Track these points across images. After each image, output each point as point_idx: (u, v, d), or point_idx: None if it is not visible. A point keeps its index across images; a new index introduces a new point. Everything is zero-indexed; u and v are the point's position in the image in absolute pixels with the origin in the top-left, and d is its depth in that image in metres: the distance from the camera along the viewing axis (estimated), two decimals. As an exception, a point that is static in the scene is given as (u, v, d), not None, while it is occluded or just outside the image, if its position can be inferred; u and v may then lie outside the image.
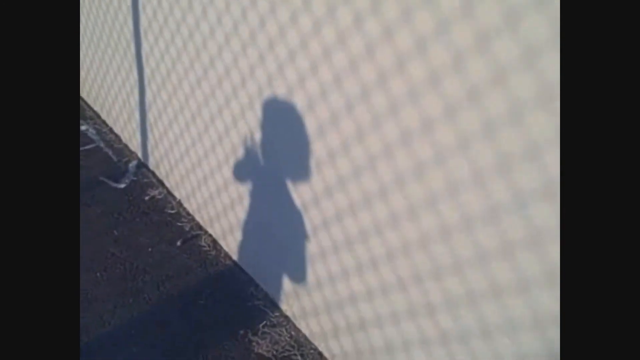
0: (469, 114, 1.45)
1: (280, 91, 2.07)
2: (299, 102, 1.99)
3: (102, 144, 3.55)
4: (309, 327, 2.41)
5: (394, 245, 1.84)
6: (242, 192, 2.53)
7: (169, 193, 3.16)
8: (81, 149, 3.47)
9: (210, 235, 2.89)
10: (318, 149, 1.99)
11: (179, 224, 2.97)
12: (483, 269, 1.59)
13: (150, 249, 2.79)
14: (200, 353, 2.32)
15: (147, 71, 2.99)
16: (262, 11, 2.00)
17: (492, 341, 1.66)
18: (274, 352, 2.35)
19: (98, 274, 2.61)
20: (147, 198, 3.12)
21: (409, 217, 1.75)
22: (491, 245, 1.54)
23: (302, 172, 2.11)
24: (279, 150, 2.23)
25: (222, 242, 2.85)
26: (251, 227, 2.58)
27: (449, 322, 1.76)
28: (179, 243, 2.84)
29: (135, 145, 3.45)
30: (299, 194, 2.17)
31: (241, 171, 2.49)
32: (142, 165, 3.37)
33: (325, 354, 2.36)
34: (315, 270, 2.24)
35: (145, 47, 2.93)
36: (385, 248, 1.88)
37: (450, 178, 1.57)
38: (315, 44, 1.83)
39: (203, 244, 2.86)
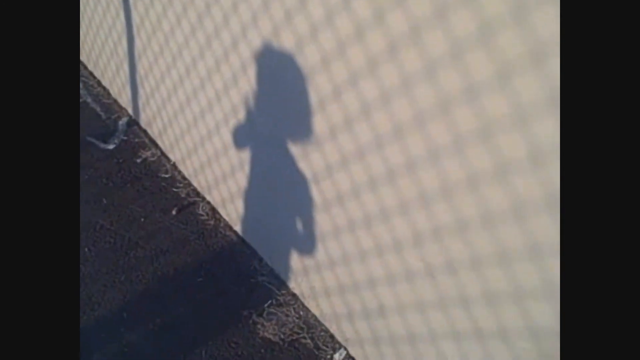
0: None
1: (288, 45, 1.76)
2: (311, 57, 1.69)
3: (89, 99, 3.23)
4: (319, 307, 2.18)
5: (422, 229, 1.58)
6: (244, 157, 2.25)
7: (163, 155, 2.87)
8: (66, 104, 3.15)
9: (208, 203, 2.63)
10: (333, 111, 1.70)
11: (174, 189, 2.70)
12: (533, 262, 1.33)
13: (143, 219, 2.53)
14: (200, 339, 2.09)
15: (135, 17, 2.66)
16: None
17: (537, 340, 1.42)
18: (281, 336, 2.13)
19: (86, 249, 2.36)
20: (139, 161, 2.84)
21: (444, 197, 1.47)
22: (544, 238, 1.27)
23: (312, 137, 1.83)
24: (286, 111, 1.93)
25: (221, 211, 2.59)
26: (255, 196, 2.31)
27: (486, 316, 1.52)
28: (174, 212, 2.58)
29: (125, 100, 3.14)
30: (309, 161, 1.89)
31: (243, 134, 2.20)
32: (133, 123, 3.08)
33: (338, 337, 2.14)
34: (327, 248, 1.98)
35: (132, -10, 2.59)
36: (411, 231, 1.62)
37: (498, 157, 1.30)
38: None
39: (201, 212, 2.59)
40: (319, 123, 1.77)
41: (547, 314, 1.36)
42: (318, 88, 1.71)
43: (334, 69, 1.63)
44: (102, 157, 2.84)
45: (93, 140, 2.94)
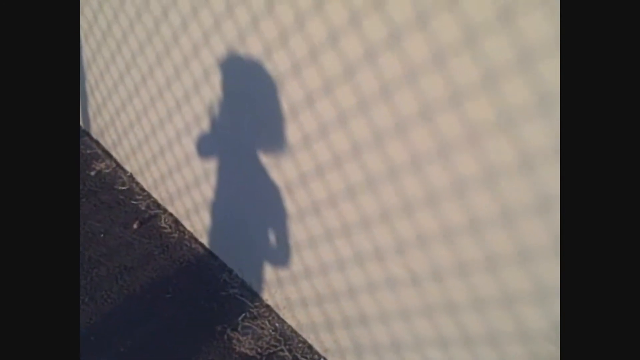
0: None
1: (255, 51, 1.69)
2: (278, 64, 1.63)
3: (33, 110, 3.06)
4: (295, 318, 2.13)
5: (405, 236, 1.55)
6: (209, 167, 2.17)
7: (119, 166, 2.75)
8: (9, 116, 2.98)
9: (171, 215, 2.53)
10: (306, 119, 1.65)
11: (133, 202, 2.59)
12: (524, 267, 1.32)
13: (102, 235, 2.41)
14: (175, 359, 2.00)
15: (83, 24, 2.53)
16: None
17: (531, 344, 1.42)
18: (258, 350, 2.07)
19: (43, 271, 2.23)
20: (92, 173, 2.71)
21: (427, 203, 1.45)
22: (535, 242, 1.27)
23: (284, 145, 1.77)
24: (255, 119, 1.87)
25: (185, 223, 2.49)
26: (222, 207, 2.24)
27: (475, 322, 1.51)
28: (135, 226, 2.47)
29: (73, 110, 2.99)
30: (281, 170, 1.83)
31: (207, 144, 2.12)
32: (83, 134, 2.93)
33: (316, 347, 2.10)
34: (303, 258, 1.93)
35: (78, -5, 2.45)
36: (393, 238, 1.59)
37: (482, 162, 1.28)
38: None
39: (163, 225, 2.49)
40: (291, 131, 1.72)
41: (537, 318, 1.36)
42: (289, 95, 1.66)
43: (306, 75, 1.58)
44: (53, 172, 2.68)
45: (41, 153, 2.78)
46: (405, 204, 1.50)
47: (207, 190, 2.24)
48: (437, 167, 1.38)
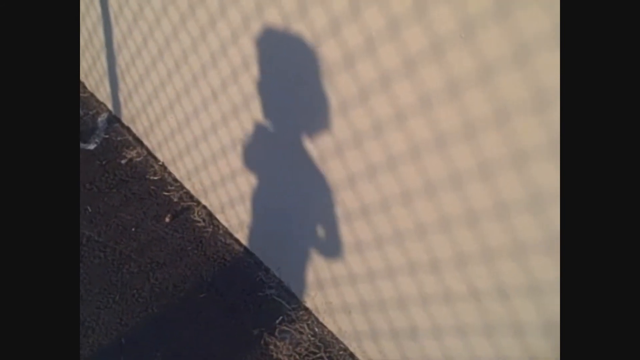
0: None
1: (302, 39, 1.54)
2: (327, 54, 1.47)
3: (62, 93, 2.95)
4: (336, 324, 2.00)
5: (467, 248, 1.40)
6: (247, 159, 2.03)
7: (150, 154, 2.63)
8: (38, 100, 2.87)
9: (204, 208, 2.41)
10: (357, 116, 1.49)
11: (165, 193, 2.47)
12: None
13: (134, 229, 2.30)
14: (209, 366, 1.90)
15: (112, 5, 2.39)
16: None
17: None
18: (297, 357, 1.94)
19: (72, 267, 2.13)
20: (123, 162, 2.59)
21: (495, 214, 1.29)
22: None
23: (328, 139, 1.62)
24: (300, 112, 1.72)
25: (219, 216, 2.37)
26: (260, 202, 2.10)
27: (542, 344, 1.36)
28: (167, 219, 2.36)
29: (103, 94, 2.87)
30: (328, 168, 1.69)
31: (246, 135, 1.98)
32: (114, 120, 2.82)
33: (359, 356, 1.97)
34: (347, 262, 1.80)
35: (108, -27, 2.32)
36: (452, 249, 1.44)
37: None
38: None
39: (197, 218, 2.37)
40: (340, 127, 1.56)
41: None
42: (339, 89, 1.50)
43: (360, 68, 1.42)
44: (83, 159, 2.58)
45: (71, 140, 2.67)
46: (469, 214, 1.35)
47: (244, 183, 2.10)
48: (511, 175, 1.22)
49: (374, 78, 1.39)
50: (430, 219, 1.45)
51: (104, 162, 2.58)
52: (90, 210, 2.35)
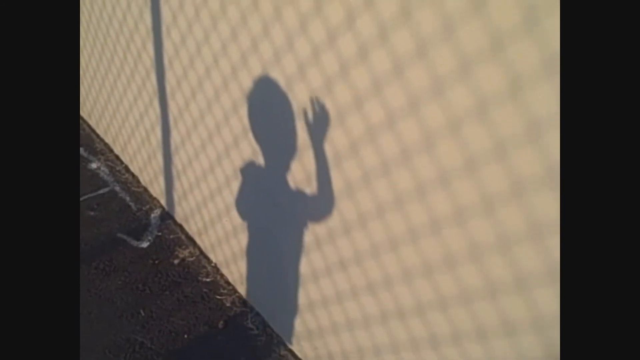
0: None
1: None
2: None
3: (117, 187, 3.00)
4: None
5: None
6: (303, 268, 1.99)
7: (203, 254, 2.62)
8: (94, 194, 2.92)
9: (258, 314, 2.36)
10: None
11: (218, 297, 2.43)
12: None
13: (186, 335, 2.26)
14: None
15: (172, 108, 2.44)
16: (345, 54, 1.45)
17: None
18: None
19: (127, 377, 2.08)
20: (176, 262, 2.58)
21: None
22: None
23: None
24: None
25: (274, 325, 2.31)
26: (317, 313, 2.04)
27: None
28: (220, 325, 2.31)
29: (157, 190, 2.90)
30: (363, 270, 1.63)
31: (304, 248, 1.95)
32: (167, 217, 2.83)
33: None
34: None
35: (170, 79, 2.37)
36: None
37: None
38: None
39: (250, 325, 2.32)
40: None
41: None
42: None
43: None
44: (136, 258, 2.58)
45: (125, 237, 2.69)
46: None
47: (301, 294, 2.05)
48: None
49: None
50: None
51: (156, 262, 2.56)
52: (143, 313, 2.32)
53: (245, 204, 2.18)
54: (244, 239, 2.27)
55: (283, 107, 1.75)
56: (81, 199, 2.88)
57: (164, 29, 2.25)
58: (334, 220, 1.75)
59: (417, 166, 1.39)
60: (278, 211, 1.98)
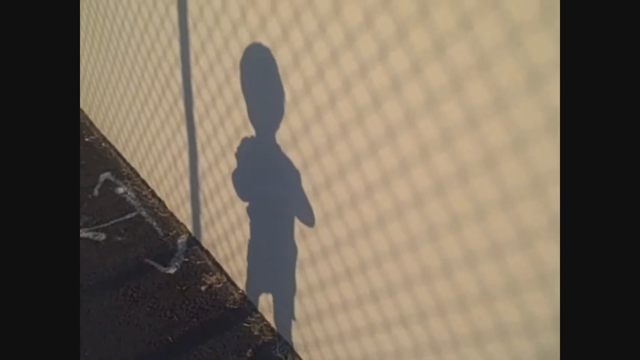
0: None
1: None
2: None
3: (144, 212, 3.01)
4: None
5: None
6: (331, 301, 1.97)
7: (229, 281, 2.61)
8: (121, 219, 2.94)
9: (286, 343, 2.34)
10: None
11: (245, 325, 2.42)
12: None
13: (214, 365, 2.25)
14: None
15: (200, 135, 2.45)
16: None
17: None
18: None
19: (156, 408, 2.07)
20: (203, 288, 2.57)
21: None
22: None
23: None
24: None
25: (302, 355, 2.29)
26: (351, 343, 2.02)
27: None
28: (248, 354, 2.29)
29: (184, 216, 2.91)
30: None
31: (333, 274, 1.93)
32: (193, 242, 2.83)
33: None
34: None
35: (198, 106, 2.39)
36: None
37: None
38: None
39: (279, 354, 2.30)
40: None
41: None
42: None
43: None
44: (164, 284, 2.58)
45: (152, 262, 2.69)
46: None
47: (330, 323, 2.03)
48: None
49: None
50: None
51: (184, 288, 2.56)
52: (171, 340, 2.31)
53: (273, 234, 2.17)
54: (270, 267, 2.26)
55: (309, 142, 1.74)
56: (109, 223, 2.90)
57: (192, 57, 2.27)
58: (366, 251, 1.73)
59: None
60: (307, 243, 1.97)
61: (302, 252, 2.03)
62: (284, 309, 2.28)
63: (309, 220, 1.90)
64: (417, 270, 1.56)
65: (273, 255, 2.22)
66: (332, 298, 1.97)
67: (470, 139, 1.26)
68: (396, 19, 1.32)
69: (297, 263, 2.08)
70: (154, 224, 2.94)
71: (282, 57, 1.74)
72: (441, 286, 1.51)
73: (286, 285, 2.19)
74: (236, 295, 2.54)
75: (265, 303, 2.41)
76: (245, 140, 2.12)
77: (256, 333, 2.37)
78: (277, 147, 1.92)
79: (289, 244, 2.06)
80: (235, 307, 2.49)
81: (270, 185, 2.06)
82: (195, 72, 2.29)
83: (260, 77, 1.91)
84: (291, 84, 1.74)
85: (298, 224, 1.99)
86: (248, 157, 2.15)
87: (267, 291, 2.36)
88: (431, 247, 1.48)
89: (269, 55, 1.79)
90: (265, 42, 1.79)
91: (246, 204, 2.26)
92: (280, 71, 1.77)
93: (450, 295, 1.49)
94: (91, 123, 3.75)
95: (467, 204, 1.33)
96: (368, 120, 1.51)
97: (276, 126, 1.89)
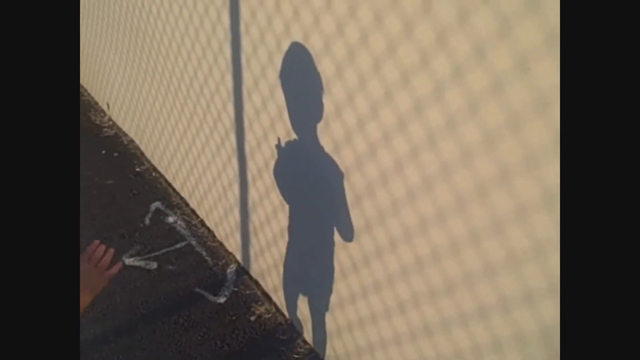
0: None
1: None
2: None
3: (193, 241, 3.08)
4: None
5: None
6: (386, 327, 1.98)
7: (278, 311, 2.64)
8: (171, 248, 3.01)
9: (335, 373, 2.34)
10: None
11: (295, 355, 2.43)
12: None
13: (266, 397, 2.27)
14: None
15: (251, 167, 2.51)
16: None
17: None
18: None
19: None
20: (252, 318, 2.61)
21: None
22: None
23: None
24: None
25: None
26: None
27: None
28: (298, 385, 2.30)
29: (233, 246, 2.96)
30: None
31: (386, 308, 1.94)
32: (242, 272, 2.87)
33: None
34: None
35: (249, 139, 2.45)
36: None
37: None
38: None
39: (328, 386, 2.30)
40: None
41: None
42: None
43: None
44: (214, 313, 2.62)
45: (202, 292, 2.74)
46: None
47: (381, 356, 2.03)
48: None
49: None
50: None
51: (234, 318, 2.60)
52: (222, 371, 2.34)
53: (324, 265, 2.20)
54: (318, 299, 2.28)
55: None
56: (160, 252, 2.97)
57: (244, 93, 2.34)
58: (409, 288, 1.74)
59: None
60: (358, 276, 1.99)
61: (350, 285, 2.04)
62: (333, 340, 2.29)
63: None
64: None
65: (324, 288, 2.24)
66: (385, 333, 1.97)
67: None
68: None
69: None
70: (204, 253, 2.99)
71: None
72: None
73: (338, 316, 2.21)
74: (285, 326, 2.56)
75: (306, 326, 2.43)
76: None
77: (305, 364, 2.39)
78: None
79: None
80: (284, 337, 2.51)
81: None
82: (247, 107, 2.35)
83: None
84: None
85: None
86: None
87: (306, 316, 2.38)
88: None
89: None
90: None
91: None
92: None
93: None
94: (142, 153, 3.87)
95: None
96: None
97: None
